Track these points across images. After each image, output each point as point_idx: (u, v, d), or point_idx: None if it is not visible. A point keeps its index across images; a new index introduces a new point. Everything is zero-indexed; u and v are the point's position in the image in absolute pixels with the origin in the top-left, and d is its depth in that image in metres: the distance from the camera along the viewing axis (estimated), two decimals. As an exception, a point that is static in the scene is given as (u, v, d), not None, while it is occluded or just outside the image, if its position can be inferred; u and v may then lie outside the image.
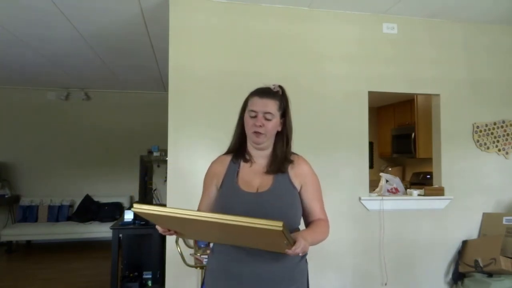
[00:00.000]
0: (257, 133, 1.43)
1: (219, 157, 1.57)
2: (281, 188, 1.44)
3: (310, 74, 3.15)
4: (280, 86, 1.51)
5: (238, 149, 1.52)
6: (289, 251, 1.18)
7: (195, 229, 1.29)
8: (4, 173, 6.05)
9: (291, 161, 1.49)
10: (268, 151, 1.50)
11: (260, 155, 1.50)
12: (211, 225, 1.12)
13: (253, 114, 1.43)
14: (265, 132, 1.43)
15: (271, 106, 1.43)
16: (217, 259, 1.46)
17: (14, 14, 3.26)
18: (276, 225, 1.03)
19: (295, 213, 1.45)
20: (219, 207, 1.43)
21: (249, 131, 1.45)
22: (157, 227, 1.31)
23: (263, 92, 1.46)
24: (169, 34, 2.94)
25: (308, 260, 1.54)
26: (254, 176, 1.47)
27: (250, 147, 1.51)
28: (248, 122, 1.45)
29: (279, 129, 1.48)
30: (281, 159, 1.47)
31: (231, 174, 1.48)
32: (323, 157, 3.09)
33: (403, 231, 3.22)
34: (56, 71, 5.22)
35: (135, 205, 1.17)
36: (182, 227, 1.28)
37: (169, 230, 1.31)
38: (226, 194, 1.44)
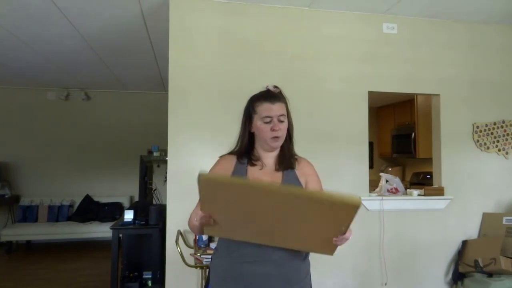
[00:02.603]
0: (275, 137, 1.45)
1: (225, 155, 1.57)
2: (290, 185, 1.47)
3: (310, 74, 3.15)
4: (277, 87, 1.53)
5: (245, 152, 1.53)
6: (337, 239, 1.21)
7: (243, 217, 1.23)
8: (4, 173, 6.05)
9: (296, 159, 1.55)
10: (277, 151, 1.53)
11: (269, 156, 1.53)
12: (276, 204, 1.13)
13: (268, 120, 1.45)
14: (282, 135, 1.47)
15: (283, 108, 1.48)
16: (223, 260, 1.46)
17: (14, 14, 3.26)
18: (354, 201, 1.08)
19: None
20: None
21: (266, 137, 1.46)
22: (199, 212, 1.23)
23: (271, 97, 1.47)
24: (169, 34, 2.94)
25: (309, 260, 1.56)
26: (263, 175, 1.49)
27: (259, 150, 1.53)
28: (263, 129, 1.46)
29: None
30: (289, 155, 1.52)
31: (240, 172, 1.49)
32: (323, 157, 3.09)
33: (403, 231, 3.22)
34: (56, 71, 5.22)
35: (201, 173, 1.09)
36: (232, 213, 1.23)
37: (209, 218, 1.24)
38: None
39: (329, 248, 1.28)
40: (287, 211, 1.17)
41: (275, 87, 1.52)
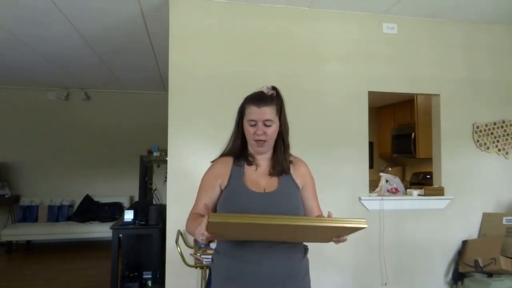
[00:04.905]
0: (259, 141, 1.45)
1: (220, 158, 1.57)
2: (287, 188, 1.48)
3: (310, 74, 3.15)
4: (274, 88, 1.51)
5: (240, 153, 1.53)
6: (337, 239, 1.33)
7: (249, 233, 1.31)
8: (4, 173, 6.05)
9: (290, 161, 1.54)
10: (269, 153, 1.53)
11: (262, 158, 1.53)
12: (286, 228, 1.20)
13: (252, 123, 1.45)
14: (267, 139, 1.46)
15: (270, 112, 1.44)
16: (223, 260, 1.46)
17: (14, 14, 3.26)
18: (361, 222, 1.17)
19: (300, 212, 1.48)
20: (225, 206, 1.44)
21: (250, 139, 1.47)
22: (205, 232, 1.21)
23: (259, 99, 1.46)
24: (169, 34, 2.94)
25: (309, 259, 1.56)
26: (259, 177, 1.49)
27: (252, 151, 1.53)
28: (249, 131, 1.46)
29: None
30: (282, 160, 1.50)
31: (237, 175, 1.48)
32: (323, 157, 3.09)
33: (403, 231, 3.22)
34: (56, 71, 5.22)
35: (212, 215, 1.12)
36: (240, 233, 1.30)
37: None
38: (233, 194, 1.45)
39: (326, 241, 1.40)
40: (294, 232, 1.26)
41: (273, 88, 1.50)
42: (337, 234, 1.30)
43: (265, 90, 1.49)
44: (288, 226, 1.16)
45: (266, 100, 1.45)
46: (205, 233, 1.20)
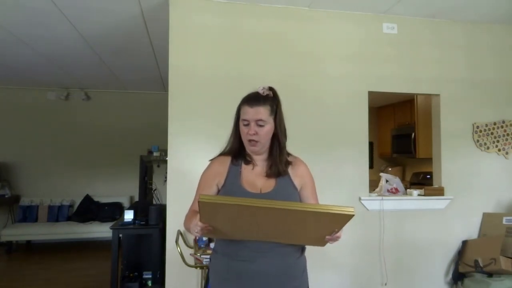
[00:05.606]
0: (252, 141, 1.45)
1: (218, 157, 1.57)
2: (284, 189, 1.48)
3: (310, 74, 3.15)
4: (270, 88, 1.51)
5: (238, 152, 1.53)
6: (330, 237, 1.29)
7: (241, 225, 1.29)
8: (4, 173, 6.05)
9: (289, 163, 1.53)
10: (266, 154, 1.53)
11: (259, 158, 1.53)
12: (274, 215, 1.19)
13: (245, 123, 1.46)
14: (260, 139, 1.46)
15: (262, 112, 1.45)
16: (221, 260, 1.47)
17: (14, 14, 3.26)
18: (349, 210, 1.18)
19: None
20: None
21: (244, 139, 1.48)
22: (199, 223, 1.24)
23: (253, 100, 1.47)
24: (169, 34, 2.94)
25: (308, 260, 1.57)
26: (256, 177, 1.50)
27: (248, 151, 1.53)
28: (243, 131, 1.47)
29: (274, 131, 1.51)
30: (278, 161, 1.50)
31: (234, 174, 1.49)
32: (323, 157, 3.09)
33: (403, 231, 3.22)
34: (56, 71, 5.22)
35: (201, 196, 1.15)
36: (231, 222, 1.28)
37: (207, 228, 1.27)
38: (230, 194, 1.45)
39: (321, 243, 1.37)
40: (284, 221, 1.23)
41: (270, 89, 1.50)
42: (329, 228, 1.27)
43: (260, 90, 1.49)
44: (274, 209, 1.15)
45: (259, 100, 1.46)
46: (199, 223, 1.24)
